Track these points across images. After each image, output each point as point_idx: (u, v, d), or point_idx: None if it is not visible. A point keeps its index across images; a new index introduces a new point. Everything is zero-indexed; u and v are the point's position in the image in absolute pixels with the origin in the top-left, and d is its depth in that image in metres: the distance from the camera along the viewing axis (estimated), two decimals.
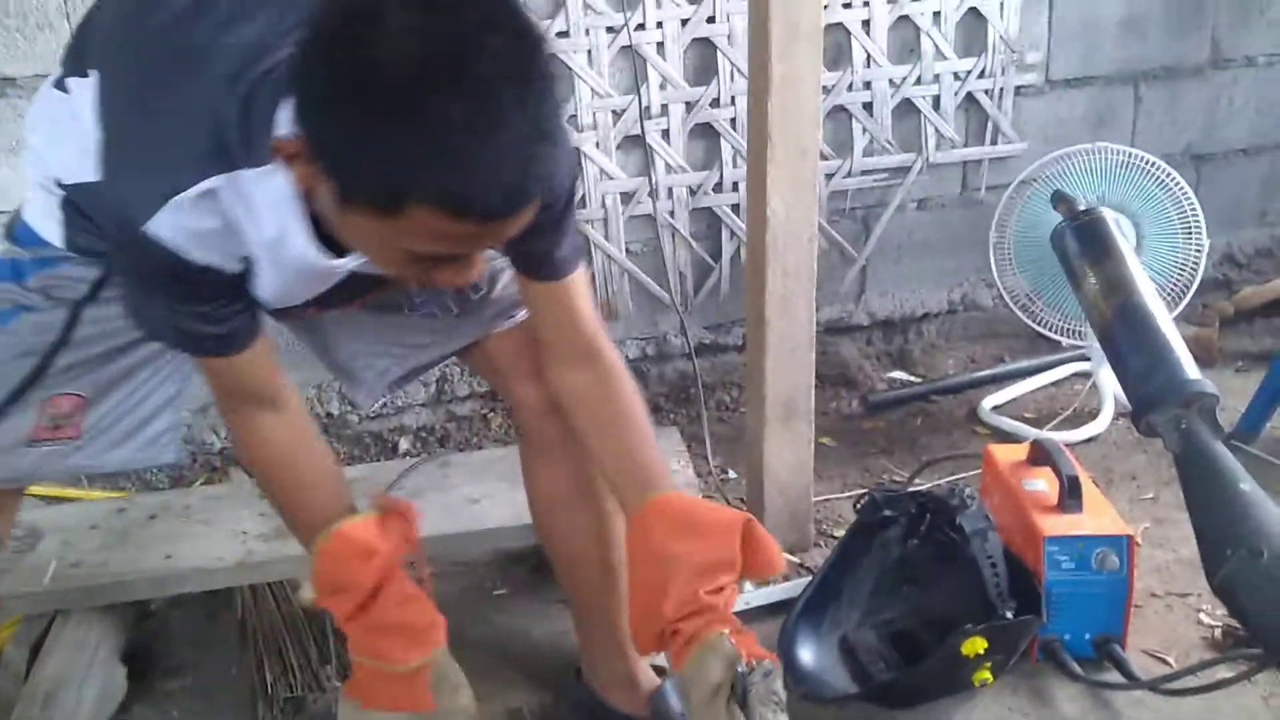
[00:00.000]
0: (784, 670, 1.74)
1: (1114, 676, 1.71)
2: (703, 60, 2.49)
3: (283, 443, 1.27)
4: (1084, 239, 1.34)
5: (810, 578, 1.87)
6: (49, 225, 1.28)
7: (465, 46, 0.87)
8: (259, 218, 1.06)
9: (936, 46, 2.59)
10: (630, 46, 2.41)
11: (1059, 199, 1.44)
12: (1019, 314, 2.53)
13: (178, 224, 1.04)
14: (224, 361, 1.20)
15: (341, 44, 0.88)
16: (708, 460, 2.35)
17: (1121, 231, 2.06)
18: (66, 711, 1.61)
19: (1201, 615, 1.87)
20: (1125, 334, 1.28)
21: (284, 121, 0.99)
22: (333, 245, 1.10)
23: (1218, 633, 1.80)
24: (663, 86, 2.47)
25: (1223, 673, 1.59)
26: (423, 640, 1.20)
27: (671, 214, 2.56)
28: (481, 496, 1.86)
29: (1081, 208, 1.36)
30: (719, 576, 1.14)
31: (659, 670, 1.66)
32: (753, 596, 1.92)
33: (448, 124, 0.86)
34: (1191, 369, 1.23)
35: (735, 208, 2.59)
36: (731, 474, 2.39)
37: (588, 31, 2.39)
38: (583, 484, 1.49)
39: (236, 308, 1.17)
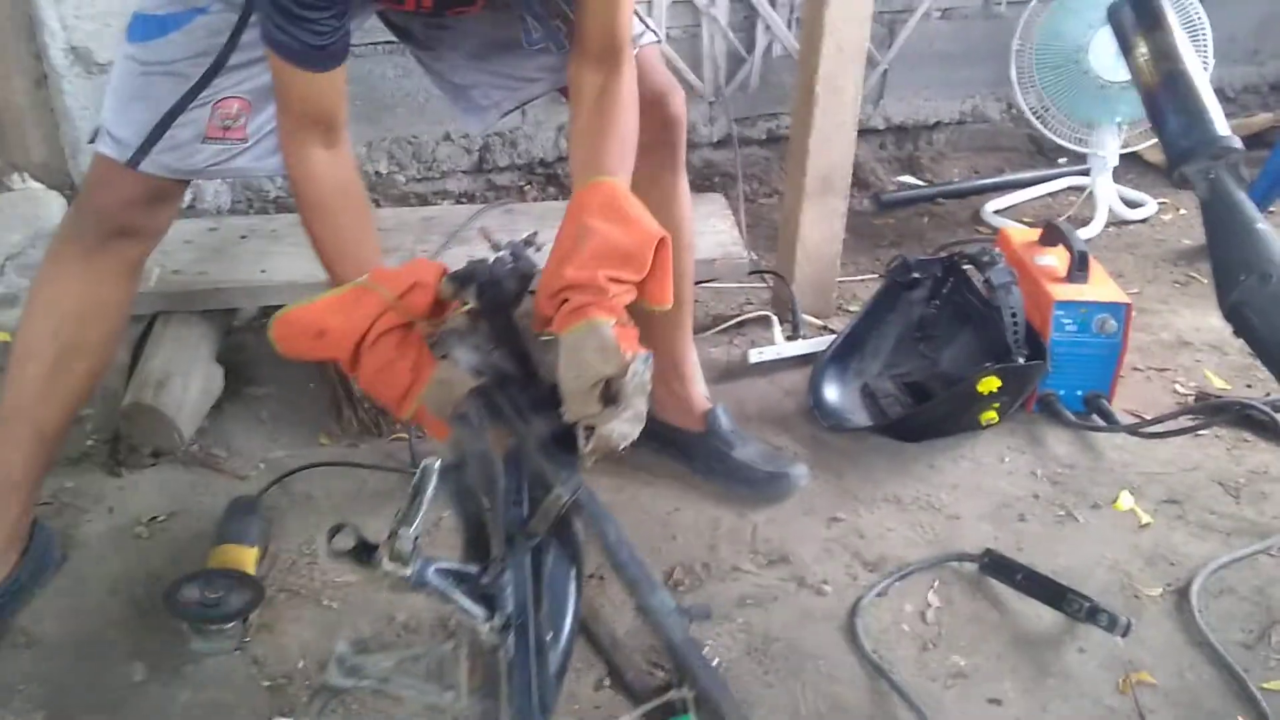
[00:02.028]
0: (812, 406, 1.97)
1: (1105, 427, 1.96)
2: None
3: (330, 180, 1.32)
4: (1140, 10, 1.49)
5: (836, 335, 2.08)
6: None
7: None
8: None
9: None
10: None
11: None
12: (1034, 121, 2.69)
13: None
14: (309, 78, 1.26)
15: None
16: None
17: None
18: (175, 397, 1.78)
19: (1176, 386, 2.12)
20: (1168, 96, 1.45)
21: None
22: None
23: (1190, 400, 2.06)
24: None
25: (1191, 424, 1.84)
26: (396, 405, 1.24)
27: (712, 2, 2.66)
28: (546, 242, 2.01)
29: None
30: (622, 268, 1.17)
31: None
32: (785, 348, 2.12)
33: None
34: (1223, 127, 1.41)
35: (773, 1, 2.69)
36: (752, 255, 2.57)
37: None
38: (658, 215, 1.64)
39: (340, 25, 1.25)
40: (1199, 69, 1.46)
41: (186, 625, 1.44)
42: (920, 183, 2.98)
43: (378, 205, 2.53)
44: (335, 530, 0.94)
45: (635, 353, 1.13)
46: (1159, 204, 2.82)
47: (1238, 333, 1.35)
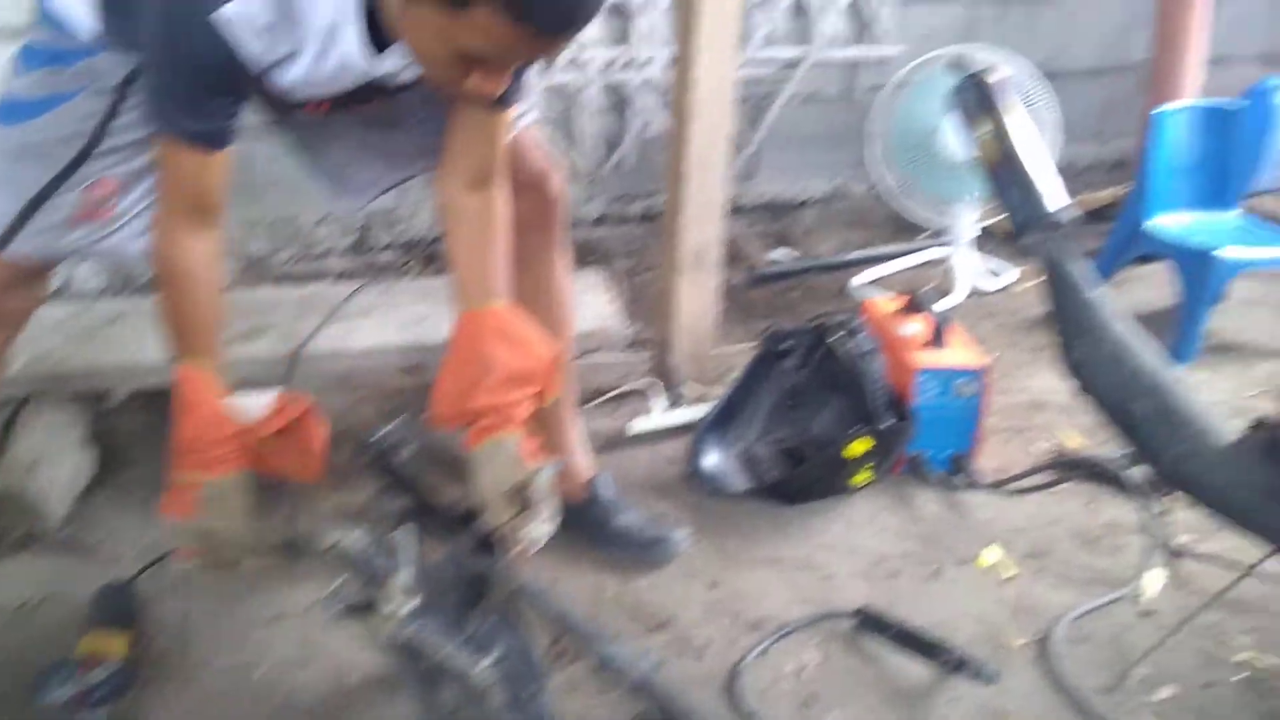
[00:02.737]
0: (692, 473, 2.03)
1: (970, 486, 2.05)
2: None
3: (202, 254, 1.34)
4: (981, 93, 1.61)
5: (714, 404, 2.14)
6: (77, 13, 1.38)
7: None
8: (319, 3, 1.21)
9: None
10: None
11: (957, 63, 1.71)
12: (889, 202, 2.84)
13: (242, 14, 1.18)
14: (201, 160, 1.29)
15: None
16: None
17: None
18: (43, 482, 1.74)
19: (1035, 445, 2.23)
20: (1008, 173, 1.56)
21: None
22: (375, 44, 1.25)
23: (1049, 458, 2.17)
24: None
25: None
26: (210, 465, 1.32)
27: (584, 88, 2.75)
28: (429, 315, 2.04)
29: (978, 68, 1.63)
30: (523, 388, 1.31)
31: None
32: (665, 417, 2.18)
33: None
34: (1060, 200, 1.52)
35: (646, 83, 2.80)
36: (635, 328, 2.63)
37: None
38: (540, 293, 1.69)
39: (234, 110, 1.30)
40: (1038, 146, 1.57)
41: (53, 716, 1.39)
42: (793, 257, 3.09)
43: (253, 285, 2.52)
44: (336, 588, 1.14)
45: (541, 460, 1.30)
46: (1019, 272, 2.99)
47: (1081, 391, 1.45)
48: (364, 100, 1.44)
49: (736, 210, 3.13)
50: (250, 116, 1.36)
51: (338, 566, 1.24)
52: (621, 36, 2.76)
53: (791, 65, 2.97)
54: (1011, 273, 2.94)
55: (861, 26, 3.00)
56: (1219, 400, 2.40)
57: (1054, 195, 1.53)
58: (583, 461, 1.86)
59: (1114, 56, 3.34)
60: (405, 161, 1.61)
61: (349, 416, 2.09)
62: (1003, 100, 1.61)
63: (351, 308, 2.12)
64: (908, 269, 3.03)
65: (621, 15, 2.74)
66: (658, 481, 2.04)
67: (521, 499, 1.28)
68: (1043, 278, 1.52)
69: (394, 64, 1.29)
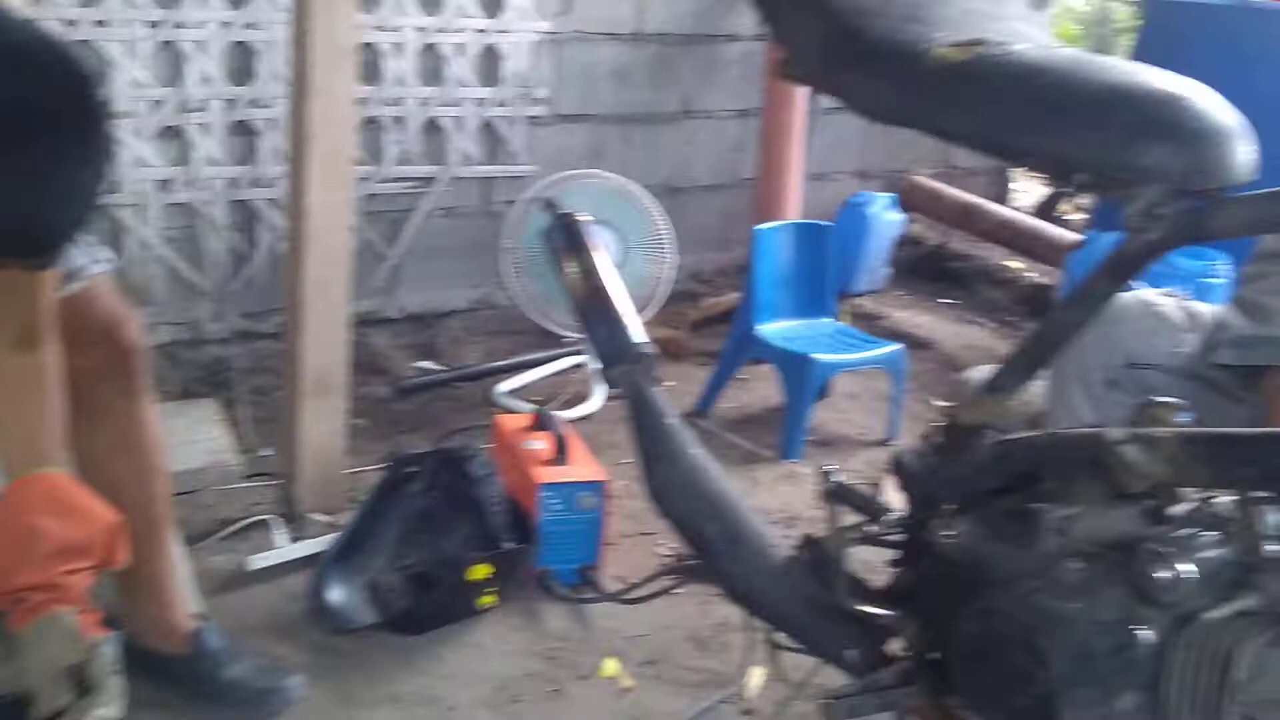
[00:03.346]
0: (315, 609, 1.98)
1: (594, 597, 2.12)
2: (243, 61, 2.64)
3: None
4: (566, 235, 1.71)
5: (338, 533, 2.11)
6: None
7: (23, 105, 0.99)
8: None
9: (459, 75, 2.94)
10: (170, 42, 2.51)
11: (547, 203, 1.81)
12: (526, 312, 2.94)
13: None
14: None
15: None
16: (243, 439, 2.50)
17: (608, 243, 2.54)
18: None
19: (659, 548, 2.35)
20: (593, 309, 1.66)
21: None
22: None
23: (669, 560, 2.29)
24: (204, 82, 2.58)
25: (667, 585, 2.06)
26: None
27: (209, 204, 2.68)
28: None
29: (564, 211, 1.74)
30: (79, 560, 1.23)
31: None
32: (289, 550, 2.11)
33: None
34: (639, 335, 1.64)
35: (273, 201, 2.76)
36: (265, 452, 2.55)
37: (128, 24, 2.46)
38: (122, 444, 1.62)
39: None
40: (619, 285, 1.68)
41: None
42: (438, 367, 3.12)
43: None
44: None
45: (100, 635, 1.20)
46: None
47: (659, 513, 1.55)
48: None
49: (379, 322, 3.13)
50: None
51: None
52: (248, 155, 2.71)
53: (429, 180, 3.02)
54: None
55: (495, 145, 3.11)
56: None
57: (636, 330, 1.64)
58: (183, 612, 1.77)
59: (729, 173, 3.64)
60: None
61: None
62: (589, 240, 1.71)
63: None
64: (550, 375, 3.14)
65: (247, 132, 2.70)
66: (279, 621, 1.98)
67: (80, 680, 1.19)
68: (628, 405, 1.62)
69: None
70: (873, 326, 3.72)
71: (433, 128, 2.99)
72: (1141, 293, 1.71)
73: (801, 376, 2.72)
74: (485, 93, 3.01)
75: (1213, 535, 1.12)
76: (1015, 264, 4.21)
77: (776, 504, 2.53)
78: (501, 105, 3.04)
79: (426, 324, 3.24)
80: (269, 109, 2.68)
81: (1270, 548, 1.07)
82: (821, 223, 3.06)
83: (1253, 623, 1.06)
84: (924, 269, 4.24)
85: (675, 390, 3.12)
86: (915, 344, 3.62)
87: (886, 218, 3.78)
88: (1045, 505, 1.22)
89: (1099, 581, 1.15)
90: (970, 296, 4.11)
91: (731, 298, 3.60)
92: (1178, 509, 1.19)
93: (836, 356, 2.78)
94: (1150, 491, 1.19)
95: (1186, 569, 1.08)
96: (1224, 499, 1.13)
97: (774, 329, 2.87)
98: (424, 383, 3.00)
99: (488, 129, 3.07)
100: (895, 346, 2.90)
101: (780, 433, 2.77)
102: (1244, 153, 1.05)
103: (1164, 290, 1.71)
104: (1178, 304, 1.70)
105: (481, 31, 2.94)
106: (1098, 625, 1.11)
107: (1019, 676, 1.13)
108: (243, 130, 2.68)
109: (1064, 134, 1.10)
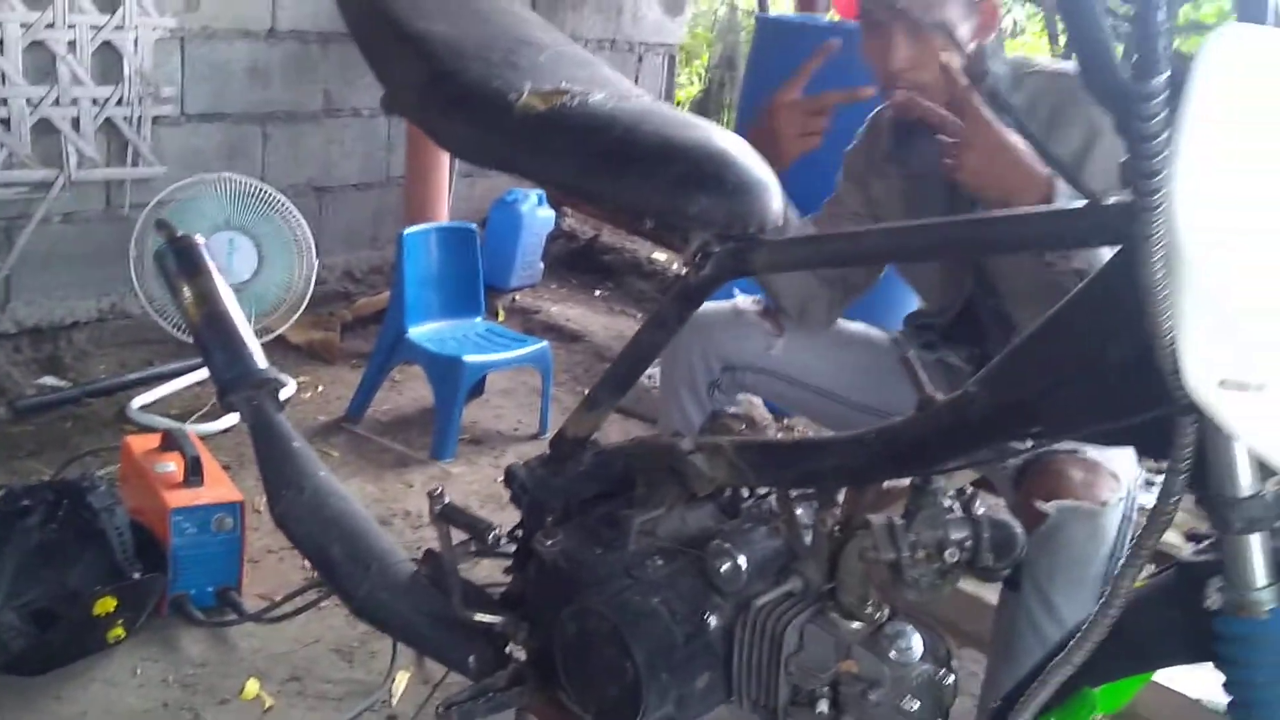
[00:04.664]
0: None
1: (233, 619, 2.10)
2: None
3: None
4: (180, 259, 1.67)
5: None
6: None
7: None
8: None
9: (73, 72, 2.76)
10: None
11: (160, 225, 1.76)
12: (160, 321, 2.82)
13: None
14: None
15: None
16: None
17: (242, 248, 2.50)
18: None
19: (306, 564, 2.34)
20: (211, 334, 1.64)
21: None
22: None
23: (314, 575, 2.29)
24: None
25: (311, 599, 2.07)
26: None
27: None
28: None
29: (179, 234, 1.70)
30: None
31: None
32: None
33: None
34: (261, 360, 1.64)
35: None
36: None
37: None
38: None
39: None
40: (238, 310, 1.67)
41: None
42: (63, 383, 2.93)
43: None
44: None
45: None
46: (298, 383, 3.11)
47: (288, 539, 1.57)
48: None
49: None
50: None
51: None
52: None
53: (45, 186, 2.82)
54: (291, 384, 3.06)
55: (121, 147, 2.94)
56: (476, 490, 2.71)
57: (257, 354, 1.64)
58: None
59: (379, 172, 3.64)
60: None
61: None
62: (204, 264, 1.69)
63: None
64: (190, 386, 3.03)
65: None
66: None
67: None
68: (250, 430, 1.62)
69: None
70: (528, 321, 3.86)
71: (49, 129, 2.79)
72: (733, 301, 1.90)
73: (451, 378, 2.78)
74: (104, 91, 2.84)
75: (765, 529, 1.30)
76: (661, 256, 4.48)
77: (427, 507, 2.59)
78: (122, 104, 2.88)
79: (48, 337, 3.03)
80: None
81: (807, 538, 1.26)
82: (467, 224, 3.12)
83: (796, 603, 1.24)
84: (577, 263, 4.43)
85: (327, 394, 3.11)
86: (569, 336, 3.80)
87: (538, 214, 3.92)
88: (634, 510, 1.36)
89: (678, 576, 1.30)
90: (621, 288, 4.34)
91: (384, 296, 3.60)
92: (741, 507, 1.37)
93: (484, 357, 2.87)
94: (717, 493, 1.37)
95: (744, 560, 1.25)
96: (773, 496, 1.31)
97: (424, 331, 2.92)
98: (46, 401, 2.81)
99: (111, 130, 2.90)
100: (541, 344, 3.03)
101: (433, 434, 2.83)
102: (774, 203, 1.22)
103: (753, 298, 1.91)
104: (764, 309, 1.90)
105: (97, 28, 2.77)
106: (676, 616, 1.26)
107: (611, 669, 1.26)
108: None
109: (628, 183, 1.23)
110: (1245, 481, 0.84)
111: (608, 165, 1.24)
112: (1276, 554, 0.86)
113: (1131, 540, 1.31)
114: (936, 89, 1.53)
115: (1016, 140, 1.39)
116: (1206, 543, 0.94)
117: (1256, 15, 0.86)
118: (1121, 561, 0.92)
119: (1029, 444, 1.10)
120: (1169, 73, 0.69)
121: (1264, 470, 0.85)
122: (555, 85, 1.31)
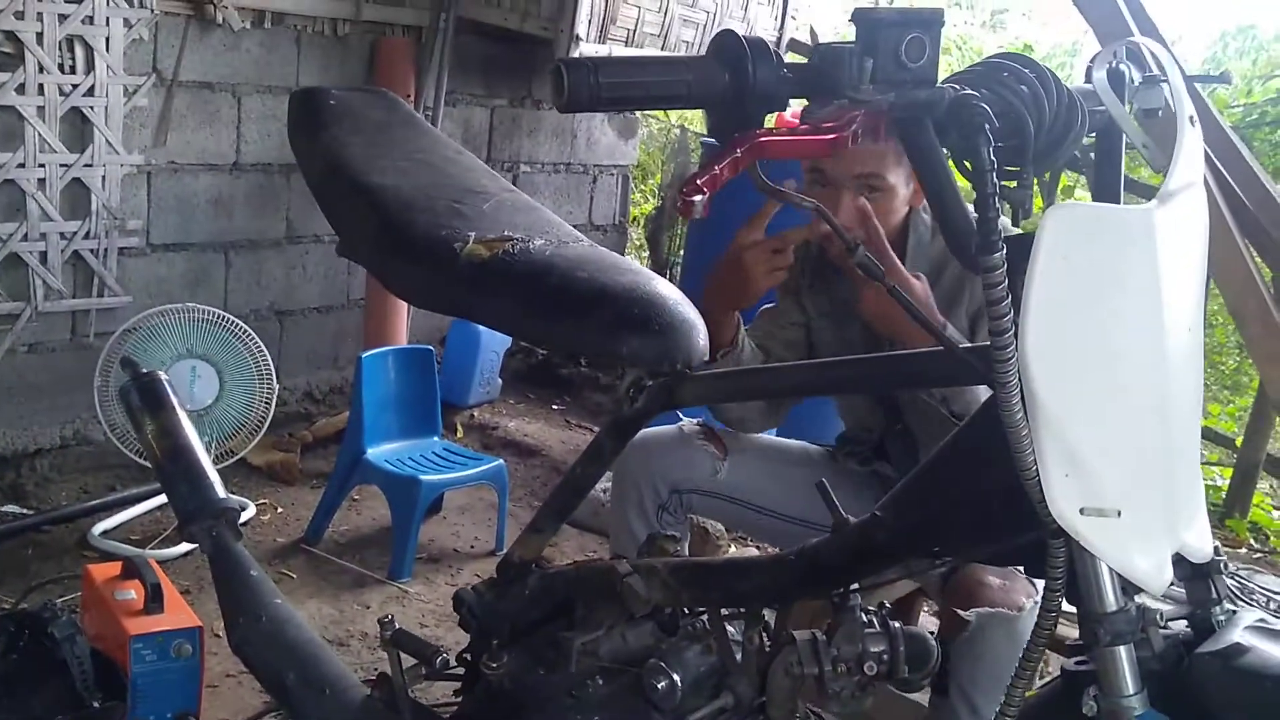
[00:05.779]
0: None
1: None
2: None
3: None
4: (144, 395, 1.75)
5: None
6: None
7: None
8: None
9: (42, 209, 2.86)
10: None
11: (125, 363, 1.85)
12: (122, 448, 2.87)
13: None
14: None
15: None
16: None
17: (204, 376, 2.59)
18: None
19: (257, 687, 2.37)
20: (174, 467, 1.72)
21: None
22: None
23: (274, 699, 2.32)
24: None
25: None
26: None
27: None
28: None
29: (144, 370, 1.78)
30: None
31: None
32: None
33: None
34: (221, 490, 1.71)
35: None
36: None
37: None
38: None
39: None
40: (198, 442, 1.75)
41: None
42: (25, 510, 2.96)
43: None
44: None
45: None
46: (258, 505, 3.15)
47: (245, 665, 1.62)
48: None
49: None
50: None
51: None
52: None
53: (11, 318, 2.89)
54: (251, 508, 3.10)
55: (86, 277, 3.03)
56: (432, 609, 2.75)
57: (216, 484, 1.72)
58: None
59: (339, 294, 3.74)
60: None
61: None
62: (167, 399, 1.77)
63: None
64: (151, 510, 3.06)
65: None
66: None
67: None
68: (209, 562, 1.69)
69: None
70: (486, 436, 3.94)
71: (17, 262, 2.87)
72: (679, 425, 2.00)
73: (408, 498, 2.84)
74: (72, 226, 2.94)
75: (699, 646, 1.37)
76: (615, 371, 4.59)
77: None
78: (89, 237, 2.98)
79: (11, 465, 3.06)
80: None
81: (738, 654, 1.33)
82: (425, 346, 3.22)
83: (729, 719, 1.31)
84: (534, 377, 4.53)
85: (286, 515, 3.15)
86: (526, 451, 3.87)
87: (496, 332, 4.02)
88: (576, 631, 1.44)
89: (617, 696, 1.37)
90: (578, 402, 4.44)
91: (344, 417, 3.67)
92: (679, 624, 1.45)
93: (441, 476, 2.94)
94: (656, 610, 1.44)
95: (679, 678, 1.32)
96: (705, 616, 1.39)
97: (382, 451, 2.98)
98: (8, 529, 2.84)
99: (78, 262, 3.00)
100: (496, 462, 3.10)
101: (392, 553, 2.88)
102: (700, 340, 1.32)
103: (697, 420, 2.01)
104: (708, 432, 2.00)
105: (67, 166, 2.89)
106: None
107: None
108: None
109: (565, 327, 1.33)
110: (1111, 598, 0.94)
111: (546, 310, 1.34)
112: (1143, 664, 0.95)
113: None
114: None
115: (921, 288, 1.52)
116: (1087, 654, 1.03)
117: (1110, 196, 0.99)
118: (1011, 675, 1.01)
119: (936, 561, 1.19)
120: (1004, 250, 0.81)
121: (1128, 587, 0.95)
122: (499, 233, 1.42)
